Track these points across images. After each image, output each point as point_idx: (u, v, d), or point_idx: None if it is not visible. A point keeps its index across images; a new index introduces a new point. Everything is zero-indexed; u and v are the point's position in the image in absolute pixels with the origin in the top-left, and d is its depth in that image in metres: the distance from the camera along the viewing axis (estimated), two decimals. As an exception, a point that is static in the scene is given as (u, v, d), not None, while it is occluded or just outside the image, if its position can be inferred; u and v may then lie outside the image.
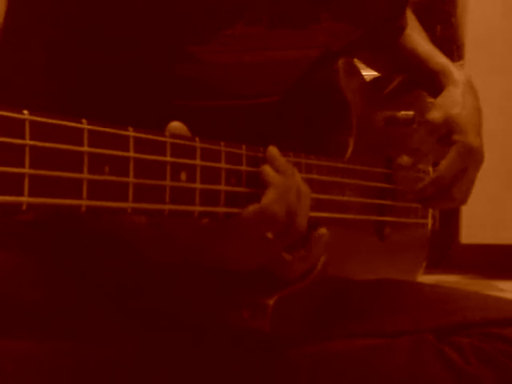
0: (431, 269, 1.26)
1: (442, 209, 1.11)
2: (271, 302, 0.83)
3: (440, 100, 1.07)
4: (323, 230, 0.82)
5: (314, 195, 0.84)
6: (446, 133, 1.03)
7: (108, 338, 0.85)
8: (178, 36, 0.85)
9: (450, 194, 1.04)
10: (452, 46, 2.99)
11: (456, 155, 1.02)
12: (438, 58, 1.14)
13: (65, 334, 0.83)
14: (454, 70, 1.11)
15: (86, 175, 0.58)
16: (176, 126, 0.68)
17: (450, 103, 1.05)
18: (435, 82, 1.10)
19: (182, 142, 0.67)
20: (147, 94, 0.88)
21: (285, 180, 0.76)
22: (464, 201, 1.06)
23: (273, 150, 0.77)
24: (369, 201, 0.99)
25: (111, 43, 0.84)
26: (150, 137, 0.64)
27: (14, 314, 0.82)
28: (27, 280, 0.86)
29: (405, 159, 1.03)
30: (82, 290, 0.87)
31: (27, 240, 0.89)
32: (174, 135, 0.66)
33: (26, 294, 0.84)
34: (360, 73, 1.01)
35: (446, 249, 3.02)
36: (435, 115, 1.04)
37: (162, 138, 0.65)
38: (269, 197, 0.74)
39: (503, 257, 3.08)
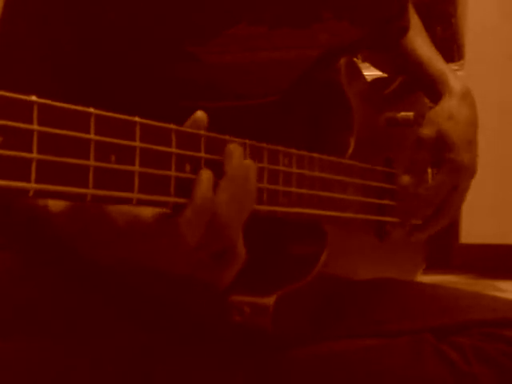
0: (431, 269, 1.26)
1: (435, 229, 1.10)
2: (272, 300, 0.83)
3: (432, 113, 1.06)
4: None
5: (316, 192, 0.84)
6: (437, 147, 1.03)
7: (107, 337, 0.85)
8: (179, 37, 0.85)
9: (441, 213, 1.05)
10: (452, 46, 2.99)
11: (446, 174, 1.03)
12: (437, 63, 1.13)
13: (64, 334, 0.83)
14: (451, 78, 1.10)
15: (92, 162, 0.58)
16: (199, 115, 0.68)
17: (443, 117, 1.05)
18: (432, 88, 1.10)
19: (187, 129, 0.67)
20: (150, 96, 0.88)
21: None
22: (455, 216, 1.07)
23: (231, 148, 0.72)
24: (369, 200, 0.99)
25: (112, 44, 0.84)
26: (156, 124, 0.64)
27: (12, 314, 0.82)
28: (25, 280, 0.86)
29: (406, 179, 1.02)
30: (80, 290, 0.87)
31: (24, 240, 0.89)
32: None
33: (24, 293, 0.84)
34: (361, 73, 1.01)
35: (446, 249, 3.02)
36: (427, 132, 1.04)
37: (168, 126, 0.65)
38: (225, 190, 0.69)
39: (503, 257, 3.08)
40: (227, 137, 0.71)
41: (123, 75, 0.87)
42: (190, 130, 0.67)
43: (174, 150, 0.65)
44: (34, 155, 0.54)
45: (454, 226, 3.04)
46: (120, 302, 0.87)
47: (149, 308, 0.89)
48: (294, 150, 0.81)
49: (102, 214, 0.70)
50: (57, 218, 0.74)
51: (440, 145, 1.03)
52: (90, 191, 0.58)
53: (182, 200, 0.66)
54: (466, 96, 1.08)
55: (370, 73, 1.14)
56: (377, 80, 1.14)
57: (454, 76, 1.11)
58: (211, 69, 0.87)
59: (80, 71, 0.85)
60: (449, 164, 1.03)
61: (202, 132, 0.68)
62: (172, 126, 0.66)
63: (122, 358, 0.86)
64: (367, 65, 1.19)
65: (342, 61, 0.96)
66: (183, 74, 0.87)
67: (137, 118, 0.63)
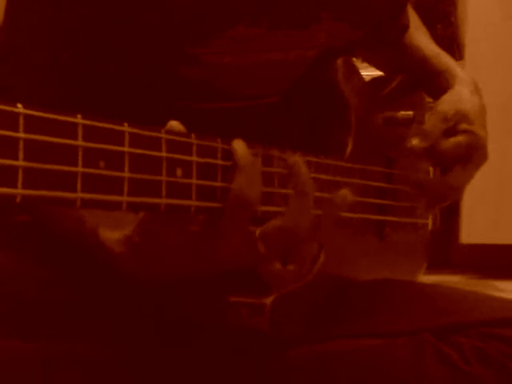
0: (431, 269, 1.26)
1: (442, 199, 1.09)
2: (269, 301, 0.83)
3: (447, 96, 1.05)
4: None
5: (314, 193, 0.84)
6: (454, 125, 1.02)
7: (108, 337, 0.85)
8: (179, 38, 0.85)
9: (446, 180, 1.03)
10: (452, 46, 2.99)
11: (462, 141, 1.01)
12: (442, 57, 1.13)
13: (65, 334, 0.83)
14: (460, 71, 1.10)
15: (80, 169, 0.58)
16: (173, 125, 0.68)
17: (458, 99, 1.04)
18: (439, 82, 1.10)
19: (177, 138, 0.67)
20: (150, 97, 0.88)
21: (254, 161, 0.73)
22: (458, 193, 1.05)
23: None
24: (368, 200, 0.98)
25: (113, 45, 0.84)
26: (144, 132, 0.64)
27: (13, 314, 0.82)
28: (27, 280, 0.86)
29: (414, 141, 1.01)
30: (81, 290, 0.87)
31: (26, 240, 0.89)
32: (169, 131, 0.66)
33: (25, 293, 0.84)
34: (359, 72, 1.01)
35: (447, 249, 3.02)
36: (444, 106, 1.03)
37: (157, 134, 0.65)
38: (238, 180, 0.71)
39: (503, 257, 3.08)
40: (219, 142, 0.71)
41: (124, 76, 0.87)
42: (180, 138, 0.67)
43: (164, 154, 0.65)
44: (20, 163, 0.54)
45: (453, 226, 3.04)
46: (120, 302, 0.87)
47: (148, 309, 0.89)
48: (289, 152, 0.81)
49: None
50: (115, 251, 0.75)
51: (458, 121, 1.02)
52: (79, 195, 0.58)
53: (174, 201, 0.66)
54: (476, 87, 1.08)
55: (369, 73, 1.14)
56: (375, 79, 1.14)
57: (462, 69, 1.11)
58: (211, 70, 0.87)
59: (81, 72, 0.85)
60: (466, 134, 1.01)
61: (194, 140, 0.68)
62: (162, 135, 0.65)
63: (122, 358, 0.86)
64: (366, 65, 1.18)
65: (340, 60, 0.96)
66: (183, 75, 0.87)
67: (126, 126, 0.62)
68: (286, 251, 0.76)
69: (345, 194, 0.80)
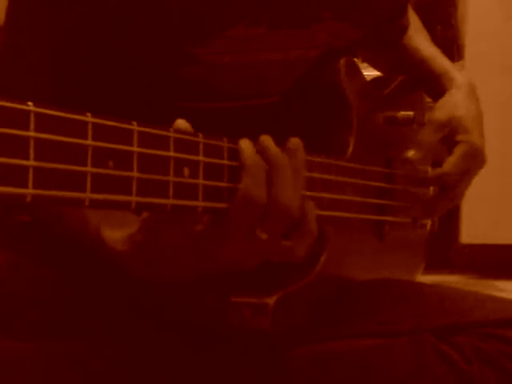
0: (431, 269, 1.26)
1: (442, 210, 1.11)
2: (272, 300, 0.83)
3: (442, 102, 1.06)
4: (310, 203, 0.79)
5: (315, 193, 0.84)
6: (449, 133, 1.03)
7: (108, 337, 0.85)
8: (179, 38, 0.85)
9: (451, 195, 1.04)
10: (452, 47, 2.99)
11: (462, 154, 1.02)
12: (440, 60, 1.13)
13: (65, 334, 0.83)
14: (457, 74, 1.11)
15: (89, 168, 0.58)
16: (180, 123, 0.68)
17: (453, 105, 1.05)
18: (437, 84, 1.10)
19: (186, 137, 0.67)
20: (151, 97, 0.88)
21: (260, 160, 0.72)
22: (459, 201, 1.07)
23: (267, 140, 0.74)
24: (368, 200, 0.98)
25: (113, 45, 0.84)
26: (153, 131, 0.63)
27: (13, 314, 0.82)
28: (27, 280, 0.86)
29: (410, 153, 1.02)
30: (81, 290, 0.87)
31: (26, 240, 0.89)
32: (177, 130, 0.66)
33: (26, 293, 0.84)
34: (361, 72, 1.01)
35: (446, 249, 3.02)
36: (438, 115, 1.04)
37: (166, 133, 0.65)
38: (245, 180, 0.71)
39: (503, 257, 3.09)
40: (225, 142, 0.71)
41: (124, 76, 0.87)
42: (188, 136, 0.67)
43: (172, 154, 0.65)
44: (31, 162, 0.53)
45: (453, 226, 3.04)
46: (120, 301, 0.87)
47: (149, 308, 0.89)
48: None
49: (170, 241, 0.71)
50: (117, 248, 0.75)
51: (453, 128, 1.03)
52: (88, 195, 0.58)
53: (181, 202, 0.66)
54: (472, 90, 1.08)
55: (370, 73, 1.14)
56: (376, 79, 1.14)
57: (459, 71, 1.11)
58: (211, 69, 0.87)
59: (82, 73, 0.85)
60: (463, 146, 1.03)
61: (201, 139, 0.68)
62: (171, 134, 0.65)
63: (122, 358, 0.86)
64: (366, 65, 1.18)
65: (342, 61, 0.96)
66: (184, 75, 0.87)
67: (135, 125, 0.62)
68: (287, 228, 0.75)
69: (296, 142, 0.78)
